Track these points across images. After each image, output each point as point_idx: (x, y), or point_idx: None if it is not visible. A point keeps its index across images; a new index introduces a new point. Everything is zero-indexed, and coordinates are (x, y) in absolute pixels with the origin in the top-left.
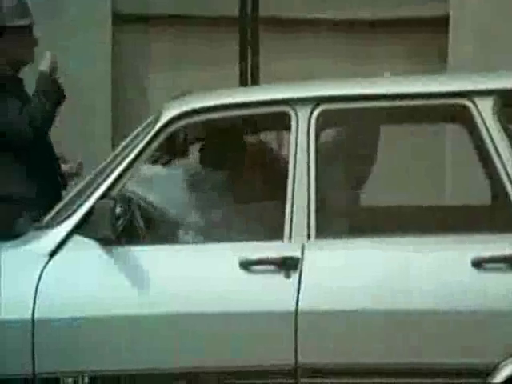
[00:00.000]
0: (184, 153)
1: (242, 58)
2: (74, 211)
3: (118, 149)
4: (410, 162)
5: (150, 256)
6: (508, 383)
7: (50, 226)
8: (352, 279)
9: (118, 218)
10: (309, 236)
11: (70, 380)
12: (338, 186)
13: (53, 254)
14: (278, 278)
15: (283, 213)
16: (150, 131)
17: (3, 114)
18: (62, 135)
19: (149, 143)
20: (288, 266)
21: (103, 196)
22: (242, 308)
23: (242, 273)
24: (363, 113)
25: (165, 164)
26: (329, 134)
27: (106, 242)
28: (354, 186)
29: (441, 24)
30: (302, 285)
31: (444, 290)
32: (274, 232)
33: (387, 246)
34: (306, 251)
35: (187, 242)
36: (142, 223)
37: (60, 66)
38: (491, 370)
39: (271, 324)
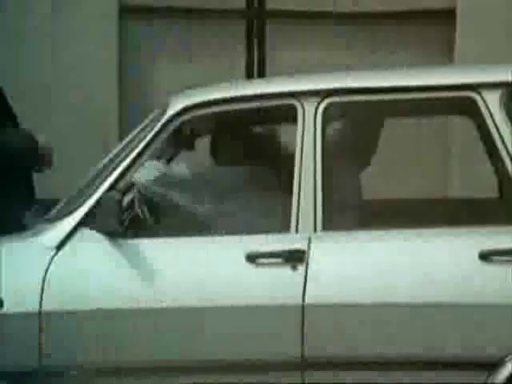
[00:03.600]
0: (190, 145)
1: (249, 50)
2: (81, 204)
3: (125, 141)
4: (415, 155)
5: (156, 249)
6: None
7: (57, 218)
8: (358, 272)
9: (125, 211)
10: (315, 228)
11: (75, 373)
12: (344, 178)
13: (60, 246)
14: (285, 271)
15: (290, 205)
16: (156, 124)
17: None
18: (66, 126)
19: (155, 136)
20: (294, 258)
21: (110, 188)
22: (248, 301)
23: (248, 265)
24: (370, 105)
25: (171, 157)
26: (335, 126)
27: (112, 235)
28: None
29: (448, 16)
30: (309, 278)
31: (450, 283)
32: (281, 224)
33: (393, 239)
34: (312, 243)
35: (193, 235)
36: (148, 216)
37: (67, 57)
38: (496, 364)
39: (277, 317)
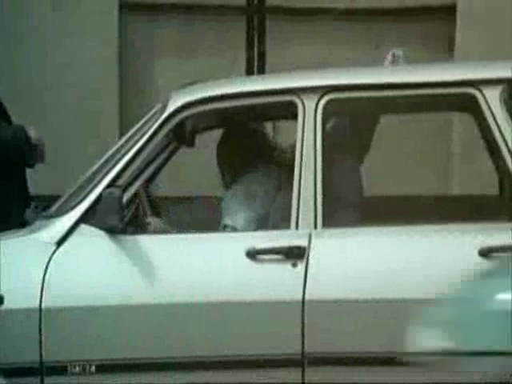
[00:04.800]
0: (190, 142)
1: (249, 46)
2: (82, 200)
3: (126, 137)
4: (416, 151)
5: (156, 245)
6: None
7: (57, 214)
8: (358, 268)
9: (125, 207)
10: (315, 225)
11: (77, 368)
12: (344, 174)
13: (60, 242)
14: (285, 267)
15: (290, 202)
16: (156, 120)
17: None
18: (67, 121)
19: (156, 132)
20: (295, 255)
21: (110, 185)
22: (249, 297)
23: (248, 262)
24: (370, 102)
25: (172, 153)
26: (334, 122)
27: (112, 231)
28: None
29: (448, 12)
30: (309, 274)
31: (450, 279)
32: (281, 221)
33: (393, 235)
34: (312, 240)
35: (194, 231)
36: (149, 212)
37: (67, 56)
38: None
39: (277, 313)
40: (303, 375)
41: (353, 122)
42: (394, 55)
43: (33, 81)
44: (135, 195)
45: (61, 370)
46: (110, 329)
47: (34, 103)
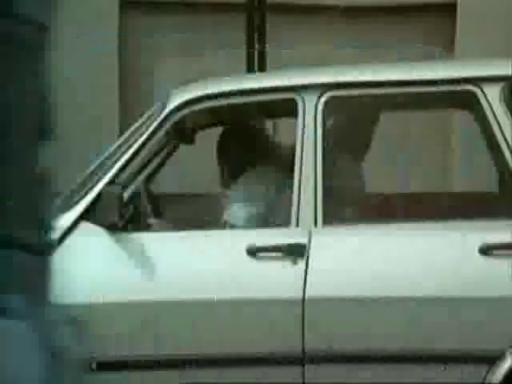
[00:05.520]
0: (190, 139)
1: (249, 44)
2: (82, 198)
3: (126, 135)
4: (416, 149)
5: (156, 242)
6: None
7: (58, 212)
8: (359, 266)
9: (125, 205)
10: (316, 223)
11: None
12: (344, 172)
13: (61, 240)
14: (285, 265)
15: (290, 199)
16: (156, 118)
17: None
18: (66, 123)
19: (156, 130)
20: (295, 252)
21: (111, 182)
22: (249, 295)
23: (248, 259)
24: (370, 99)
25: (171, 151)
26: (335, 119)
27: (113, 229)
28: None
29: (449, 10)
30: (309, 271)
31: (450, 277)
32: (281, 218)
33: (394, 233)
34: (312, 238)
35: (194, 229)
36: (149, 210)
37: (65, 57)
38: (498, 357)
39: (277, 311)
40: (303, 373)
41: (353, 120)
42: None
43: None
44: (135, 193)
45: None
46: (110, 326)
47: None
